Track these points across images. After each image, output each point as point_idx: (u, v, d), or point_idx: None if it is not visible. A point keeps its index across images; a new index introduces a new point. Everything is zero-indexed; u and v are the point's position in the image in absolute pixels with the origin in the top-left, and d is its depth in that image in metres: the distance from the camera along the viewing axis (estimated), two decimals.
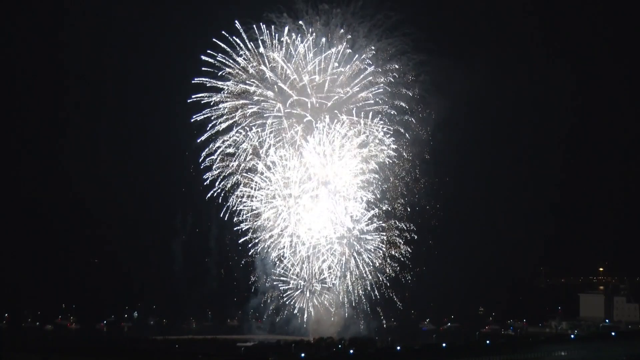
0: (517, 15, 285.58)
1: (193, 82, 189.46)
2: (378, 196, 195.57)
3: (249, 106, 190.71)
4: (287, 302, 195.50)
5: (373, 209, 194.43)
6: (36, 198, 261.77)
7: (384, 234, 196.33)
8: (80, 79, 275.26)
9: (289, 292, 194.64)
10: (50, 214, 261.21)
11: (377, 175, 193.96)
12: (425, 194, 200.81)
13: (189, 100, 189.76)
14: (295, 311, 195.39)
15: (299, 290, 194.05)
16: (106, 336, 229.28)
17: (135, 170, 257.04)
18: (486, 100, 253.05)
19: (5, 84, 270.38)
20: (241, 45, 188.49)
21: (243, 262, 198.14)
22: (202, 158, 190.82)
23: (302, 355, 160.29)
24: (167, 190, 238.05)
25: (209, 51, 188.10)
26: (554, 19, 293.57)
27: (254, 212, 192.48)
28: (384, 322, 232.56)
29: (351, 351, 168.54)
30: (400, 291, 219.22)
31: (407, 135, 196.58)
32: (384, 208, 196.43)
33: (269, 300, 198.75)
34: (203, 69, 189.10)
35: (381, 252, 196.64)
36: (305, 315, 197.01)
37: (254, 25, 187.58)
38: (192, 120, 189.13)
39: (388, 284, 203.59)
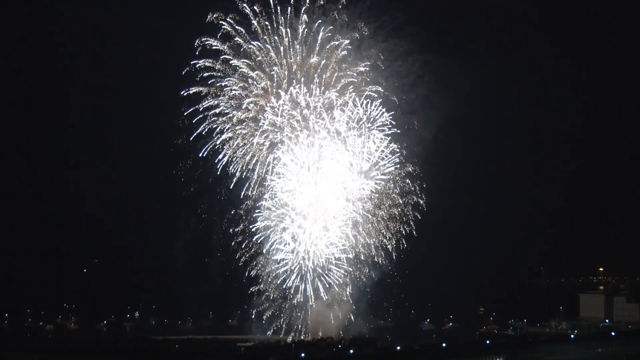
0: (522, 15, 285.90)
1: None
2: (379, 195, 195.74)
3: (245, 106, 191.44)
4: (287, 298, 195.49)
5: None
6: (37, 198, 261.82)
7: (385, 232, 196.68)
8: (79, 78, 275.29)
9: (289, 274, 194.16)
10: (50, 213, 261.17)
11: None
12: (426, 194, 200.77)
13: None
14: (295, 300, 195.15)
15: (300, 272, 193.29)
16: (106, 336, 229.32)
17: (135, 169, 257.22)
18: (488, 101, 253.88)
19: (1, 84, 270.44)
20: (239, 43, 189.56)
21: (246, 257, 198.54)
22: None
23: (302, 355, 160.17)
24: (168, 190, 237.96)
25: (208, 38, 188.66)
26: (560, 18, 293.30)
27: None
28: (381, 322, 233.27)
29: (351, 351, 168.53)
30: (400, 291, 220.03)
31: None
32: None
33: (268, 295, 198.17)
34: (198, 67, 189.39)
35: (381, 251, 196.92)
36: (305, 315, 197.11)
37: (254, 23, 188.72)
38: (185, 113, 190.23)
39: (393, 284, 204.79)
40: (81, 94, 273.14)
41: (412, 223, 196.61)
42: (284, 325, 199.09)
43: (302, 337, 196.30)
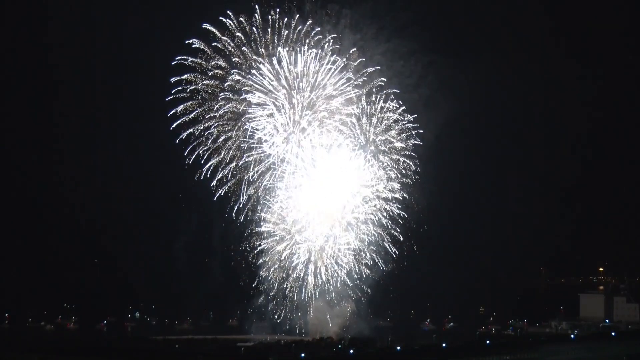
0: (525, 14, 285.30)
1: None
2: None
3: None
4: (287, 296, 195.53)
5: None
6: (36, 198, 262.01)
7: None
8: (75, 78, 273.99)
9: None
10: (50, 214, 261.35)
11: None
12: (428, 195, 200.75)
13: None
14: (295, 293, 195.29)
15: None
16: (106, 336, 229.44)
17: (135, 169, 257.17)
18: (492, 101, 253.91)
19: None
20: (240, 43, 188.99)
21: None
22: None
23: (302, 355, 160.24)
24: (168, 190, 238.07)
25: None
26: (566, 18, 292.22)
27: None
28: (381, 322, 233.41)
29: (351, 351, 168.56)
30: (400, 291, 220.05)
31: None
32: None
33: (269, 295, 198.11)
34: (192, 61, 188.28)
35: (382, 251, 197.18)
36: (305, 315, 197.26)
37: (254, 23, 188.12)
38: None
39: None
40: (77, 92, 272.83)
41: (413, 243, 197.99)
42: (283, 326, 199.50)
43: (302, 338, 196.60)
